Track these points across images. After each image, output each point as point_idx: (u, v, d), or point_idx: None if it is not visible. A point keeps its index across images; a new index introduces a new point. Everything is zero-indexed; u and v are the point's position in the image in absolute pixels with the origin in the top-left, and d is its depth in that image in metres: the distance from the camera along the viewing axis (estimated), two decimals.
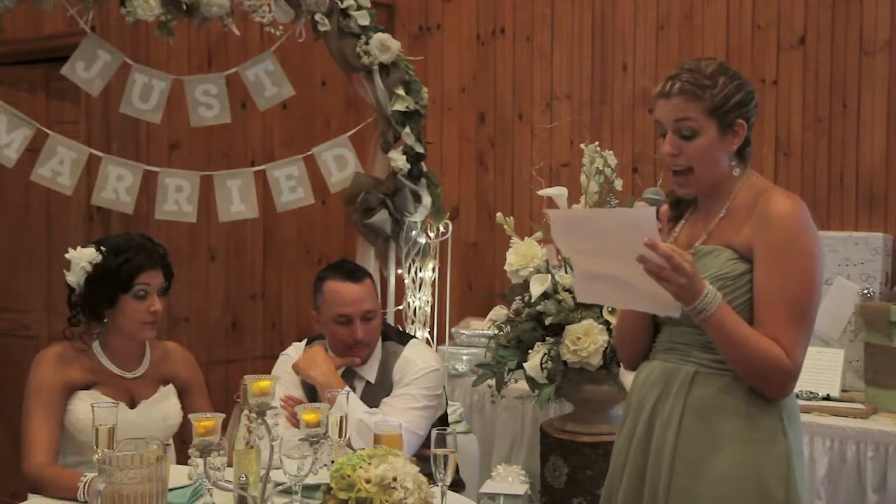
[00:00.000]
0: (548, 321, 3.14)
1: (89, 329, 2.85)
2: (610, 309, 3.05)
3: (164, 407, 2.86)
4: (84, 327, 2.85)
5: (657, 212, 2.07)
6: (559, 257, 3.29)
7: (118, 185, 3.70)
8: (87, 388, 2.76)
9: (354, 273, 3.06)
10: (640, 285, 2.03)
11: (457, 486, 2.88)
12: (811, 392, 3.43)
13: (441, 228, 4.08)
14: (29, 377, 2.78)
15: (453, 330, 4.30)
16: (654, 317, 2.28)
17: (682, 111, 2.13)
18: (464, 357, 4.15)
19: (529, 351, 3.18)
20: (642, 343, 2.32)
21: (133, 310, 2.79)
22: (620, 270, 2.05)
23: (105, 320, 2.81)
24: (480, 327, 4.16)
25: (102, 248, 2.81)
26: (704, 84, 2.13)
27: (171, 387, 2.90)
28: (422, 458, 2.40)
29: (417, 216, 3.95)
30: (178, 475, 2.42)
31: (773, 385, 2.10)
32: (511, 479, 3.54)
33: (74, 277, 2.80)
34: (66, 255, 2.83)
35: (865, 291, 3.62)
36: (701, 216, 2.24)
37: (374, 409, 2.91)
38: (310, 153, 3.92)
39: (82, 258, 2.80)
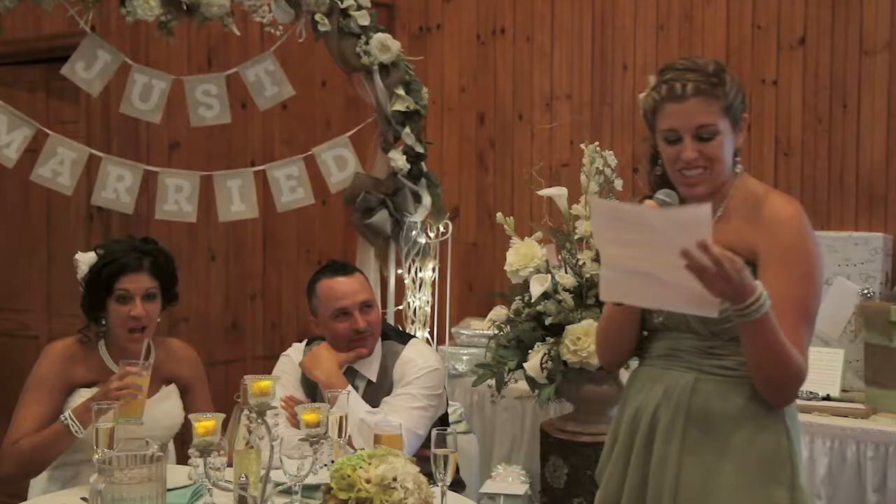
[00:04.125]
0: (548, 321, 3.14)
1: (96, 328, 2.86)
2: None
3: (166, 407, 2.86)
4: (93, 326, 2.87)
5: None
6: (559, 257, 3.29)
7: (118, 185, 3.70)
8: (89, 386, 2.77)
9: (344, 268, 3.06)
10: (677, 282, 1.92)
11: (457, 486, 2.88)
12: (811, 392, 3.43)
13: (441, 228, 4.08)
14: (35, 365, 2.80)
15: (453, 330, 4.30)
16: (645, 322, 2.24)
17: (703, 115, 2.06)
18: (464, 357, 4.15)
19: (529, 351, 3.17)
20: (628, 344, 2.27)
21: (116, 314, 2.79)
22: (658, 267, 1.94)
23: (104, 322, 2.83)
24: (480, 327, 4.16)
25: (99, 252, 2.84)
26: (715, 82, 2.08)
27: (173, 387, 2.91)
28: (422, 458, 2.40)
29: (417, 216, 3.95)
30: (178, 475, 2.42)
31: (788, 393, 2.09)
32: (511, 479, 3.54)
33: (80, 279, 2.83)
34: (75, 257, 2.87)
35: (865, 291, 3.62)
36: None
37: (375, 408, 2.91)
38: (310, 153, 3.92)
39: (84, 262, 2.83)
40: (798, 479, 2.11)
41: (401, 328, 3.89)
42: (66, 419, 2.59)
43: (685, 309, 2.05)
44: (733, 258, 1.89)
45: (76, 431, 2.56)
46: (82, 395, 2.73)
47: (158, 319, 2.87)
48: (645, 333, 2.28)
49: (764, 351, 2.00)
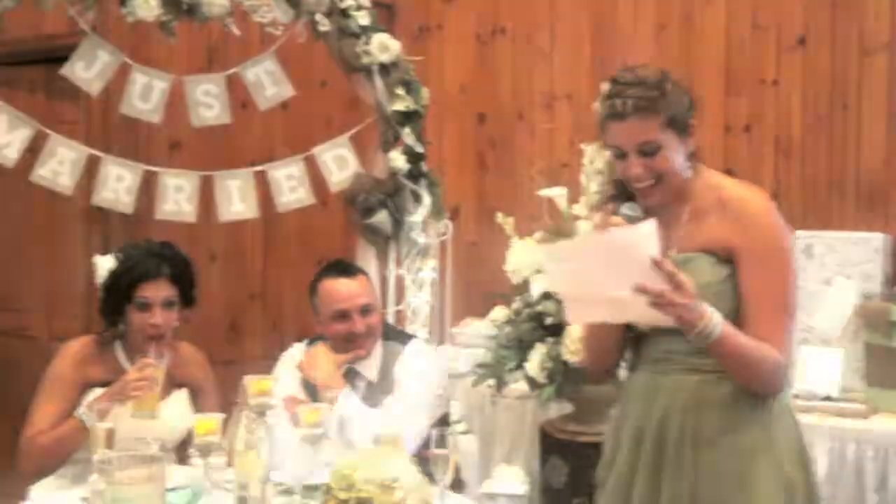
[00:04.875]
0: (548, 321, 3.14)
1: (115, 329, 2.87)
2: None
3: (178, 411, 2.86)
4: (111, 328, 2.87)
5: None
6: None
7: (118, 185, 3.70)
8: (104, 386, 2.77)
9: (347, 269, 3.07)
10: (640, 303, 1.95)
11: (457, 486, 2.88)
12: (811, 392, 3.43)
13: (441, 228, 4.08)
14: (51, 364, 2.81)
15: (453, 330, 4.30)
16: (632, 325, 2.22)
17: (643, 133, 2.07)
18: (464, 357, 4.14)
19: (529, 351, 3.18)
20: (613, 349, 2.27)
21: (136, 320, 2.80)
22: (615, 289, 1.97)
23: (121, 326, 2.84)
24: (480, 327, 4.15)
25: (118, 256, 2.85)
26: (655, 97, 2.07)
27: (184, 391, 2.92)
28: (422, 459, 2.40)
29: (417, 216, 3.95)
30: (178, 475, 2.42)
31: (772, 385, 2.10)
32: (511, 479, 3.54)
33: (100, 282, 2.84)
34: (93, 260, 2.88)
35: (865, 291, 3.61)
36: (660, 224, 2.10)
37: (374, 409, 2.91)
38: (310, 153, 3.92)
39: (103, 265, 2.84)
40: (805, 455, 2.16)
41: (401, 328, 3.88)
42: (81, 415, 2.59)
43: (653, 322, 2.06)
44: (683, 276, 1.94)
45: (80, 413, 2.57)
46: (97, 395, 2.74)
47: (176, 323, 2.88)
48: (631, 334, 2.26)
49: (730, 361, 2.05)
